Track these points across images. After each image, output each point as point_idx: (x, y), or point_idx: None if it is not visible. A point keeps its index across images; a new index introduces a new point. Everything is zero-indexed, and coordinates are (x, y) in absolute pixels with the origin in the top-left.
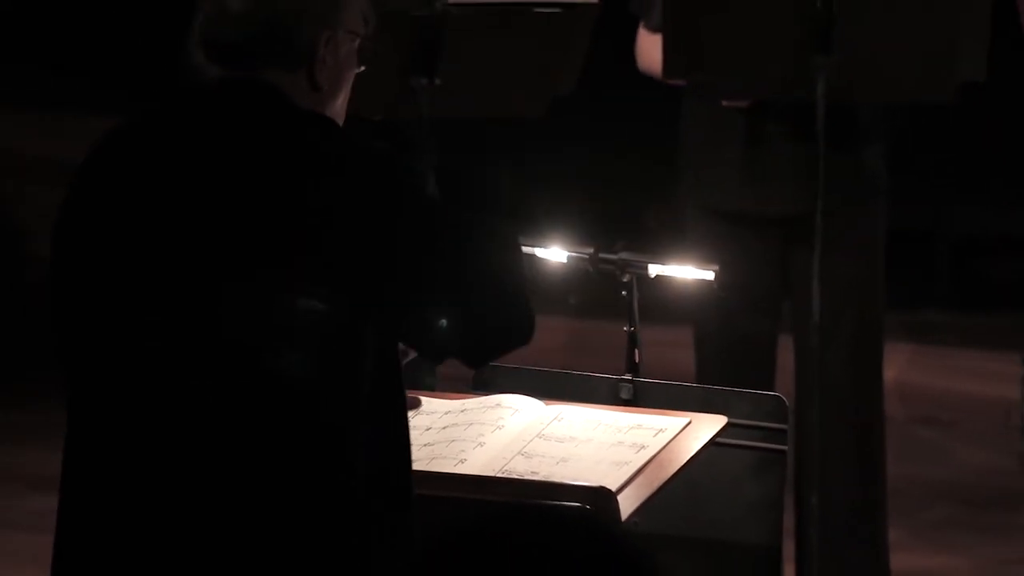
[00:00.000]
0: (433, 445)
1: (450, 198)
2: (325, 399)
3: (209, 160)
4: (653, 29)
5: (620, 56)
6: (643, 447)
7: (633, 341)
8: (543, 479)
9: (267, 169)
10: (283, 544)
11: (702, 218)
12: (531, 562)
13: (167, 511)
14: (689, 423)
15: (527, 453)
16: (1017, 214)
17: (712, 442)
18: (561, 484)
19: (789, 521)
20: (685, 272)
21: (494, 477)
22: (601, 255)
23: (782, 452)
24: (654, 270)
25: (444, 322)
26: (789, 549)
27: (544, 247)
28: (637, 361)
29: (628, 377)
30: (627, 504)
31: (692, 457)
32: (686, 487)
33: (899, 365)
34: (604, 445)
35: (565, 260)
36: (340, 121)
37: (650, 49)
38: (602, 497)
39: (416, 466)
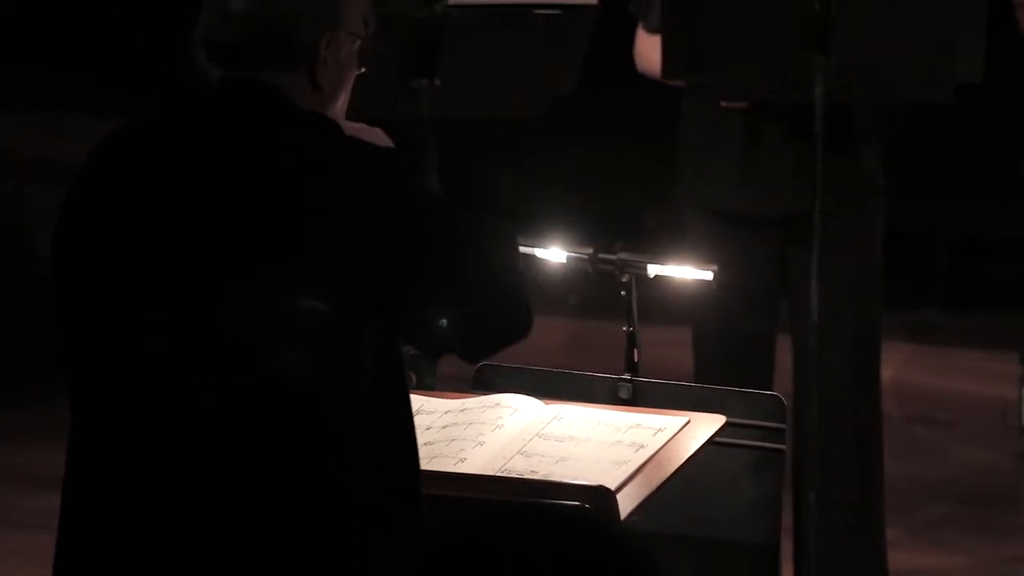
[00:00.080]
0: (433, 444)
1: (452, 198)
2: (326, 399)
3: (210, 161)
4: (652, 30)
5: (620, 57)
6: (642, 446)
7: (632, 341)
8: (542, 478)
9: (268, 169)
10: (284, 544)
11: (701, 218)
12: (530, 561)
13: (169, 511)
14: (688, 422)
15: (526, 452)
16: (1015, 214)
17: (711, 441)
18: (560, 483)
19: (787, 520)
20: (684, 272)
21: (494, 476)
22: (600, 255)
23: (780, 451)
24: (653, 270)
25: (444, 321)
26: (787, 548)
27: (544, 247)
28: (636, 361)
29: (627, 377)
30: (626, 503)
31: (691, 456)
32: (685, 486)
33: (897, 365)
34: (603, 444)
35: (564, 260)
36: (341, 122)
37: (649, 50)
38: (601, 496)
39: None
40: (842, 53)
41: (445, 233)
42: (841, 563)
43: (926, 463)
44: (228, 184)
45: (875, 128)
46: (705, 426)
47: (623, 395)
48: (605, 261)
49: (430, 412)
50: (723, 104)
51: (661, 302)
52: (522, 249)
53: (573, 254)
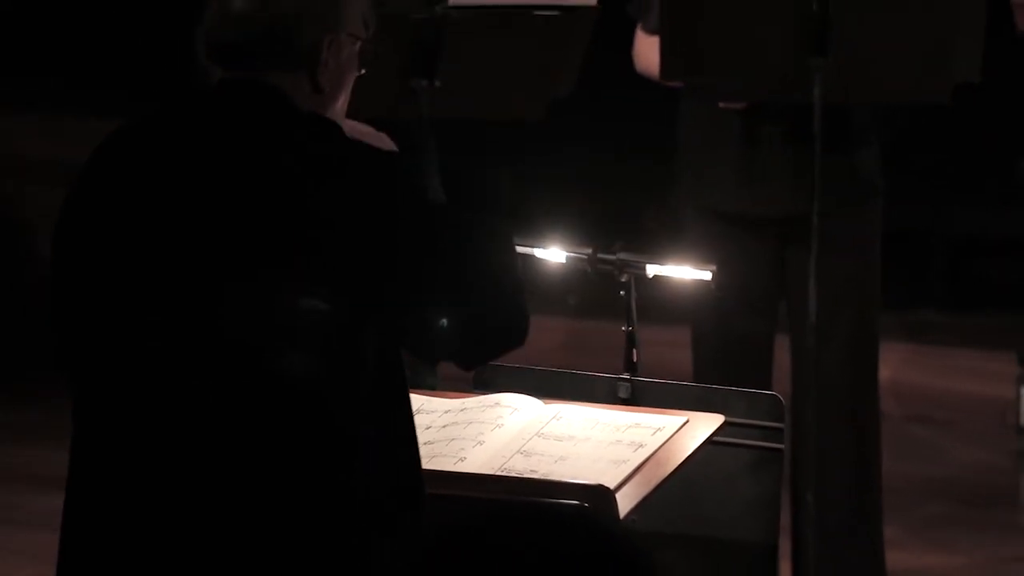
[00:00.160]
0: (433, 444)
1: (452, 198)
2: (326, 399)
3: (211, 161)
4: (650, 31)
5: (619, 58)
6: (641, 446)
7: (631, 341)
8: (542, 477)
9: (268, 170)
10: (285, 543)
11: (700, 218)
12: (530, 559)
13: (171, 510)
14: (686, 422)
15: (526, 451)
16: (1013, 215)
17: (709, 441)
18: (560, 482)
19: (785, 519)
20: (682, 272)
21: (493, 475)
22: (599, 255)
23: (778, 450)
24: (652, 270)
25: (444, 321)
26: (785, 547)
27: (543, 247)
28: (635, 360)
29: (626, 376)
30: (625, 502)
31: (689, 455)
32: (683, 485)
33: (895, 364)
34: (602, 444)
35: (564, 260)
36: (341, 123)
37: (648, 51)
38: (600, 495)
39: None
40: (840, 54)
41: (444, 234)
42: (839, 562)
43: (924, 462)
44: (228, 184)
45: (874, 128)
46: (704, 425)
47: (622, 395)
48: (604, 261)
49: (430, 412)
50: (721, 105)
51: (660, 302)
52: (521, 250)
53: (572, 254)
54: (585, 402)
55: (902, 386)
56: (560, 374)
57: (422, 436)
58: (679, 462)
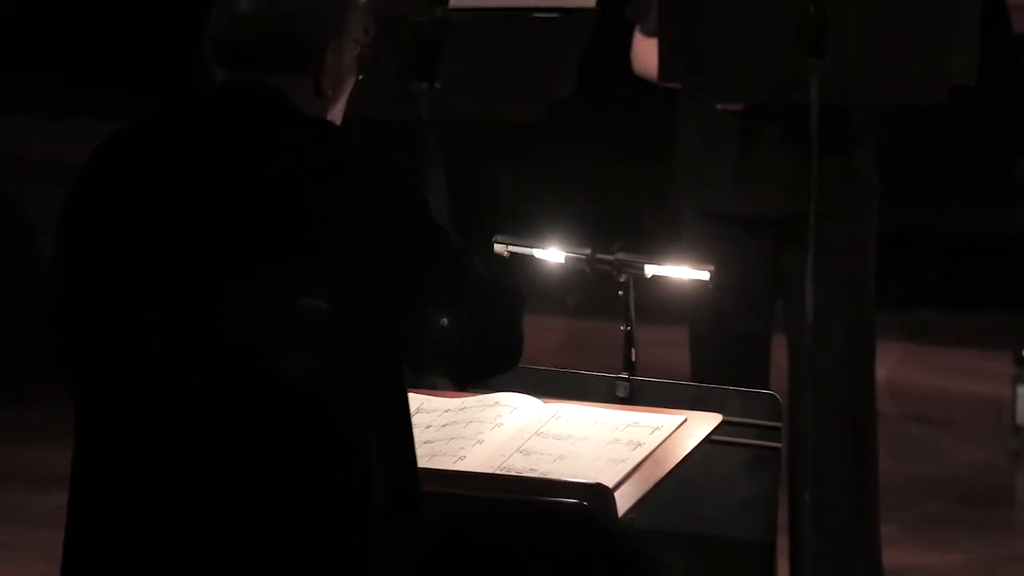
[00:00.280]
0: (433, 443)
1: (453, 199)
2: (326, 399)
3: (212, 162)
4: (649, 33)
5: (618, 59)
6: (639, 444)
7: (629, 340)
8: (541, 476)
9: (269, 171)
10: (286, 542)
11: (698, 219)
12: (529, 557)
13: (173, 509)
14: (684, 421)
15: (525, 450)
16: (1009, 215)
17: (707, 440)
18: (559, 481)
19: (783, 518)
20: (681, 272)
21: (493, 474)
22: (598, 256)
23: (776, 449)
24: (650, 270)
25: (443, 323)
26: (783, 545)
27: (542, 248)
28: (633, 360)
29: (625, 376)
30: (623, 501)
31: (688, 454)
32: (681, 484)
33: (892, 364)
34: (601, 443)
35: (563, 261)
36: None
37: (646, 53)
38: (599, 494)
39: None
40: (836, 55)
41: (445, 235)
42: (837, 561)
43: (921, 461)
44: (230, 185)
45: (871, 129)
46: (702, 424)
47: (621, 394)
48: (603, 261)
49: (430, 411)
50: (719, 106)
51: (658, 302)
52: (521, 252)
53: (571, 254)
54: (584, 401)
55: (899, 385)
56: (559, 373)
57: (422, 435)
58: (677, 461)
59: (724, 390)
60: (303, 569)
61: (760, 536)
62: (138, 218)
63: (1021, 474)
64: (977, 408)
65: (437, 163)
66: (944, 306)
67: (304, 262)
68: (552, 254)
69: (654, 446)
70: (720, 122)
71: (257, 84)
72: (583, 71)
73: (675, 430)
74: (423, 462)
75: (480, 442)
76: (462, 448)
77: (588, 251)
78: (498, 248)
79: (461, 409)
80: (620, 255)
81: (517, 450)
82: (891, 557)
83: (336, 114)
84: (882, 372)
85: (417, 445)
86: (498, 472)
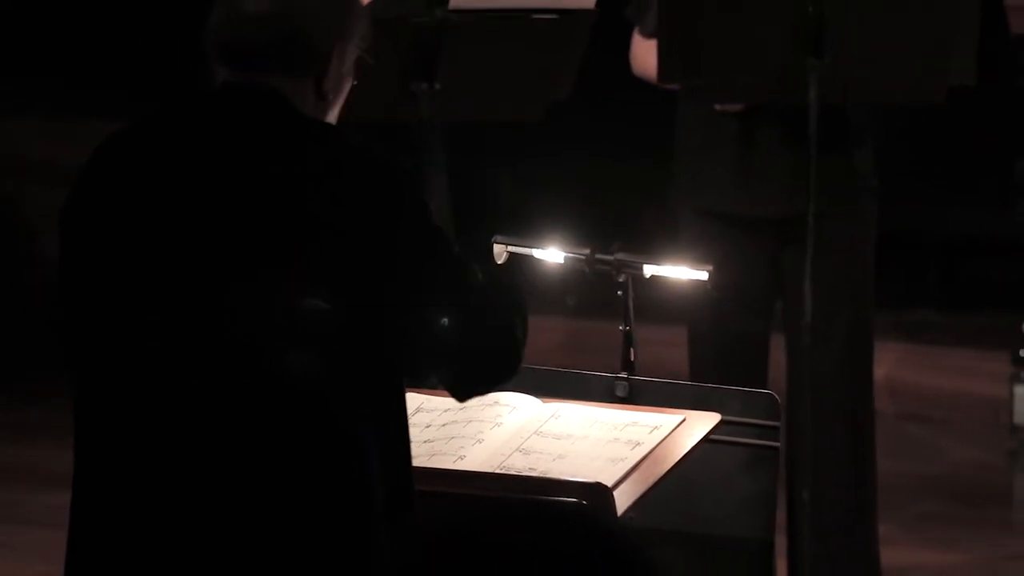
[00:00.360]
0: (433, 442)
1: (454, 200)
2: (326, 399)
3: (213, 163)
4: (648, 35)
5: (617, 60)
6: (638, 444)
7: (628, 340)
8: (540, 475)
9: (270, 172)
10: (288, 541)
11: (697, 220)
12: (529, 556)
13: (176, 508)
14: (683, 420)
15: (525, 450)
16: (1007, 215)
17: (706, 439)
18: (558, 480)
19: (781, 517)
20: (679, 272)
21: (492, 473)
22: (597, 256)
23: (774, 449)
24: (649, 270)
25: (444, 322)
26: (781, 544)
27: (542, 248)
28: (632, 360)
29: (624, 375)
30: (623, 500)
31: (686, 454)
32: (680, 483)
33: (891, 363)
34: (600, 442)
35: (562, 261)
36: None
37: (645, 54)
38: (598, 493)
39: (416, 462)
40: (835, 56)
41: (444, 237)
42: (835, 560)
43: (919, 460)
44: (230, 186)
45: (871, 129)
46: (700, 424)
47: (620, 393)
48: (602, 262)
49: (430, 410)
50: (718, 107)
51: (657, 302)
52: (521, 252)
53: (571, 255)
54: (583, 401)
55: (898, 385)
56: (558, 373)
57: (422, 435)
58: (676, 460)
59: (723, 390)
60: (305, 567)
61: (758, 535)
62: (139, 218)
63: (1018, 473)
64: (975, 408)
65: (439, 163)
66: (942, 306)
67: (304, 263)
68: (551, 254)
69: (653, 445)
70: (719, 123)
71: (258, 85)
72: (582, 72)
73: (674, 429)
74: (423, 461)
75: (480, 441)
76: (462, 447)
77: (587, 251)
78: (497, 248)
79: (461, 408)
80: (619, 255)
81: (517, 449)
82: (889, 556)
83: (332, 117)
84: (880, 372)
85: (417, 445)
86: (498, 471)
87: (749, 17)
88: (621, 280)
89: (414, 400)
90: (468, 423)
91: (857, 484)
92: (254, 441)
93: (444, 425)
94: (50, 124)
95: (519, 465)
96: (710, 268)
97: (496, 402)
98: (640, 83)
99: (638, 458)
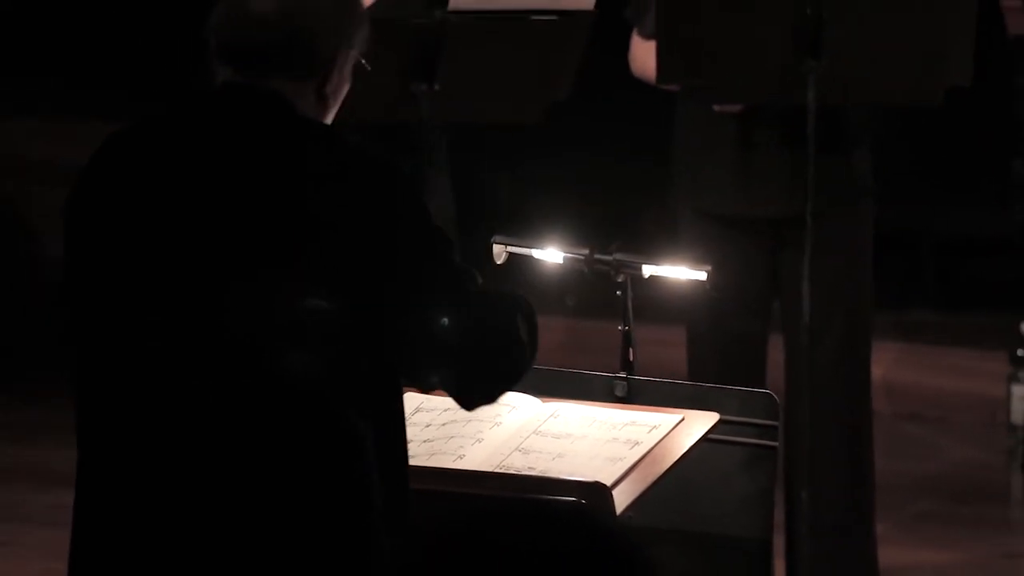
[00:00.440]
0: (432, 441)
1: (457, 200)
2: (326, 399)
3: (213, 163)
4: (646, 36)
5: (616, 61)
6: (637, 443)
7: (627, 340)
8: (540, 474)
9: (271, 173)
10: (286, 539)
11: (696, 220)
12: (528, 555)
13: (177, 507)
14: (682, 420)
15: (524, 449)
16: (1004, 215)
17: (704, 438)
18: (557, 479)
19: (779, 516)
20: (678, 273)
21: (492, 472)
22: (596, 256)
23: (772, 448)
24: (648, 271)
25: (444, 321)
26: (779, 543)
27: (541, 248)
28: (631, 359)
29: (623, 375)
30: (621, 499)
31: (685, 453)
32: (679, 482)
33: (888, 363)
34: (599, 441)
35: (561, 261)
36: None
37: (644, 56)
38: (597, 492)
39: (416, 462)
40: (833, 57)
41: (444, 238)
42: (832, 559)
43: (917, 460)
44: (231, 187)
45: (868, 129)
46: (699, 423)
47: (619, 393)
48: (601, 262)
49: (430, 410)
50: (716, 108)
51: (656, 302)
52: (520, 252)
53: (570, 255)
54: (582, 400)
55: (895, 385)
56: (557, 373)
57: (421, 434)
58: (674, 459)
59: (721, 389)
60: (304, 565)
61: (756, 534)
62: (139, 218)
63: (1015, 472)
64: (972, 407)
65: (442, 164)
66: (939, 306)
67: (304, 263)
68: (550, 254)
69: (652, 445)
70: (718, 124)
71: (259, 87)
72: (582, 73)
73: (672, 429)
74: (423, 461)
75: (479, 441)
76: (461, 447)
77: (586, 251)
78: (497, 248)
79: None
80: (618, 255)
81: (516, 449)
82: (886, 555)
83: (329, 119)
84: (878, 371)
85: (417, 444)
86: (497, 470)
87: (747, 18)
88: (620, 280)
89: (414, 400)
90: (467, 422)
91: (855, 483)
92: (254, 440)
93: (444, 424)
94: (50, 124)
95: (518, 464)
96: (709, 268)
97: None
98: (639, 84)
99: (637, 457)
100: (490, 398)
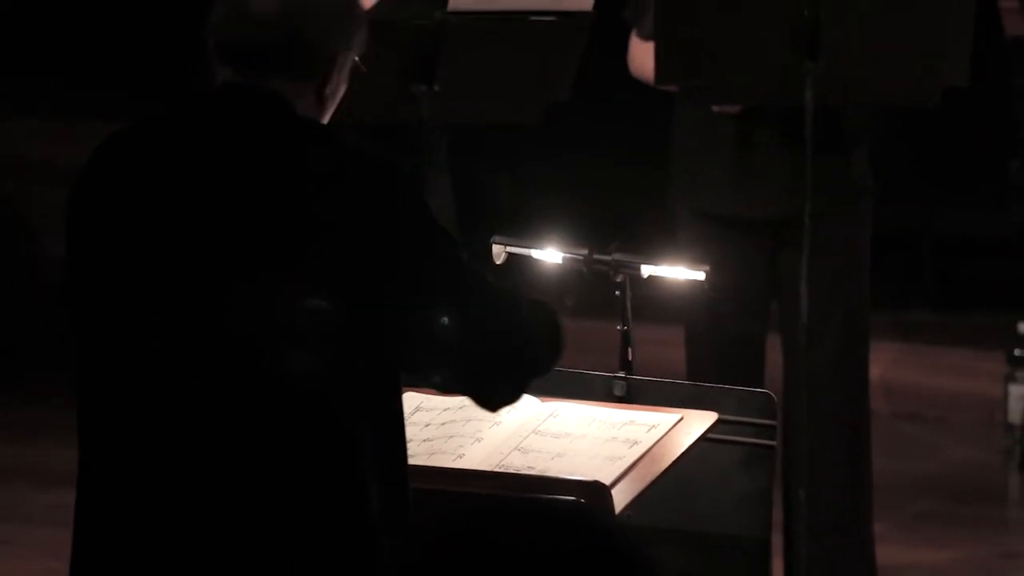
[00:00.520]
0: (432, 440)
1: (459, 200)
2: (326, 399)
3: (213, 163)
4: (645, 37)
5: (616, 62)
6: (636, 443)
7: (626, 340)
8: (539, 474)
9: (271, 173)
10: (285, 538)
11: (694, 221)
12: (527, 555)
13: (177, 506)
14: (681, 419)
15: (523, 448)
16: (1002, 215)
17: (703, 438)
18: (556, 479)
19: (777, 515)
20: (677, 273)
21: (491, 472)
22: (595, 256)
23: (771, 447)
24: (647, 271)
25: (445, 320)
26: (777, 542)
27: (540, 248)
28: (630, 359)
29: (622, 375)
30: (620, 498)
31: (684, 452)
32: (678, 481)
33: (886, 363)
34: (598, 441)
35: (560, 261)
36: None
37: (642, 56)
38: (596, 491)
39: (415, 461)
40: (830, 58)
41: (445, 238)
42: (830, 558)
43: (915, 460)
44: (231, 187)
45: (866, 130)
46: (698, 423)
47: (618, 392)
48: (600, 262)
49: (429, 409)
50: (715, 109)
51: (655, 302)
52: (520, 252)
53: (569, 255)
54: (581, 400)
55: (893, 384)
56: (557, 372)
57: (421, 433)
58: (673, 459)
59: (720, 389)
60: (303, 564)
61: (755, 533)
62: (139, 218)
63: (1013, 472)
64: (970, 407)
65: (442, 165)
66: (937, 306)
67: (304, 263)
68: (550, 255)
69: (650, 444)
70: (717, 124)
71: (259, 87)
72: (581, 74)
73: (671, 428)
74: (422, 460)
75: (479, 440)
76: (461, 446)
77: (585, 251)
78: (496, 248)
79: (460, 407)
80: (617, 255)
81: (515, 448)
82: (884, 554)
83: (327, 119)
84: (876, 371)
85: (416, 443)
86: (496, 470)
87: (746, 19)
88: (619, 280)
89: (413, 400)
90: (467, 422)
91: (853, 483)
92: (254, 440)
93: (443, 424)
94: (50, 124)
95: (517, 463)
96: (707, 268)
97: None
98: (638, 85)
99: (636, 457)
100: (507, 398)
